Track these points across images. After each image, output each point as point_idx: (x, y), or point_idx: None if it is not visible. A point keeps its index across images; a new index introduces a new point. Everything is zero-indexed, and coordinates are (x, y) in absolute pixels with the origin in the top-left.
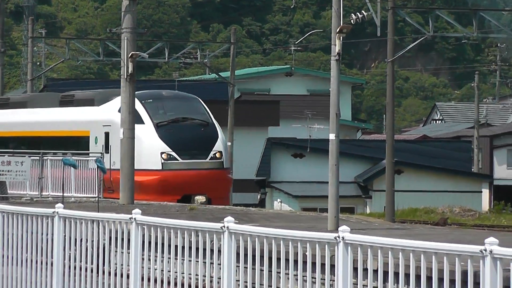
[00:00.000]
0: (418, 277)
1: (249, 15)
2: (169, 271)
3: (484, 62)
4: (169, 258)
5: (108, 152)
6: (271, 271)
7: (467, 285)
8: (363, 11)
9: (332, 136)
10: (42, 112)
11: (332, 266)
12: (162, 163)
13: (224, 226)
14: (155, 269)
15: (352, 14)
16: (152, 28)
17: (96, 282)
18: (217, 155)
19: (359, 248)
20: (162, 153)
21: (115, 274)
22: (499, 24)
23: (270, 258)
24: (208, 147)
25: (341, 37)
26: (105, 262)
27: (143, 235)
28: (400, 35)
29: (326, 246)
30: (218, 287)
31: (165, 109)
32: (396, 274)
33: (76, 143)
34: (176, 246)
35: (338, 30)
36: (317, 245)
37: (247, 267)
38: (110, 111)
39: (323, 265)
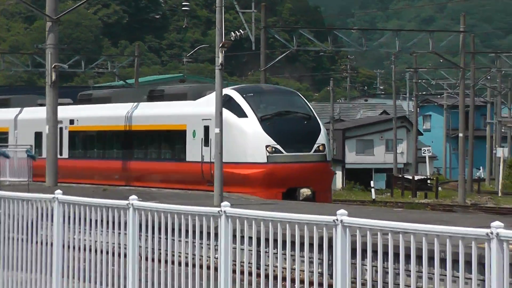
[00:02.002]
0: (284, 242)
1: (150, 34)
2: (85, 240)
3: (338, 70)
4: (85, 229)
5: (208, 145)
6: (167, 239)
7: (323, 249)
8: (240, 30)
9: (217, 130)
10: (130, 107)
11: (216, 235)
12: (267, 156)
13: (129, 203)
14: (74, 238)
15: (232, 32)
16: (71, 44)
17: (26, 250)
18: (321, 148)
19: (237, 220)
20: (267, 146)
21: (41, 243)
22: (349, 40)
23: (166, 229)
24: (312, 140)
25: (223, 51)
26: (33, 234)
27: (64, 211)
28: (271, 49)
29: (211, 218)
30: (125, 252)
31: (266, 103)
32: (267, 240)
33: (170, 137)
34: (90, 220)
35: (221, 45)
36: (204, 217)
37: (148, 235)
38: (210, 105)
39: (209, 233)
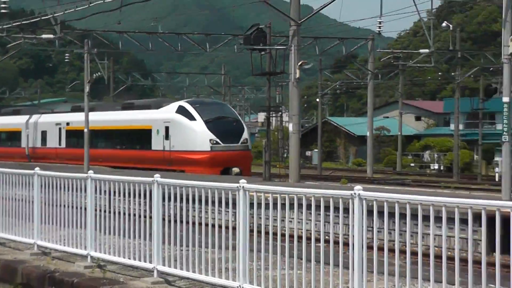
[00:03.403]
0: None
1: (47, 74)
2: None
3: (155, 97)
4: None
5: (168, 139)
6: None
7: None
8: (99, 72)
9: (86, 130)
10: (112, 113)
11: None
12: (210, 146)
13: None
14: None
15: (94, 74)
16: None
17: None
18: (245, 141)
19: (97, 181)
20: (210, 140)
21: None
22: (161, 78)
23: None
24: (239, 136)
25: (89, 85)
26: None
27: None
28: (117, 83)
29: (82, 181)
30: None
31: (208, 111)
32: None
33: (141, 134)
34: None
35: (88, 81)
36: (78, 180)
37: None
38: (169, 112)
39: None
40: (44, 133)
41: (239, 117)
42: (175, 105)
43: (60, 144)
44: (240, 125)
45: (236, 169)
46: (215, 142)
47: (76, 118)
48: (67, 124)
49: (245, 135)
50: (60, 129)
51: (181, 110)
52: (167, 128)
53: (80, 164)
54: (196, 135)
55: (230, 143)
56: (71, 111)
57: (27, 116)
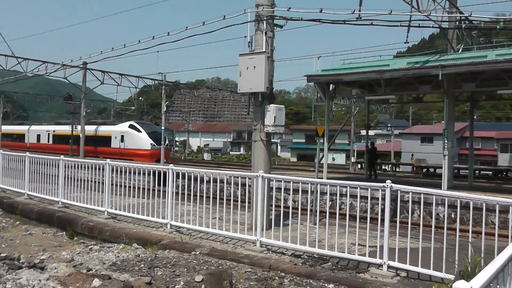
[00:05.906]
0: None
1: None
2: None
3: None
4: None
5: (123, 142)
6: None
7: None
8: (5, 109)
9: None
10: (88, 127)
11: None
12: (151, 147)
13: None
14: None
15: (4, 109)
16: None
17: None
18: (167, 144)
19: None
20: (150, 143)
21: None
22: None
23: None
24: (164, 141)
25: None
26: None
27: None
28: None
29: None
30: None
31: (147, 127)
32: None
33: (105, 139)
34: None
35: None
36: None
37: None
38: (123, 127)
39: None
40: (38, 135)
41: (163, 131)
42: (127, 123)
43: (49, 141)
44: (165, 135)
45: (164, 160)
46: (153, 145)
47: (59, 128)
48: (54, 131)
49: (167, 141)
50: (49, 133)
51: (133, 126)
52: (122, 136)
53: (58, 153)
54: (142, 140)
55: (160, 145)
56: (55, 124)
57: (28, 126)
